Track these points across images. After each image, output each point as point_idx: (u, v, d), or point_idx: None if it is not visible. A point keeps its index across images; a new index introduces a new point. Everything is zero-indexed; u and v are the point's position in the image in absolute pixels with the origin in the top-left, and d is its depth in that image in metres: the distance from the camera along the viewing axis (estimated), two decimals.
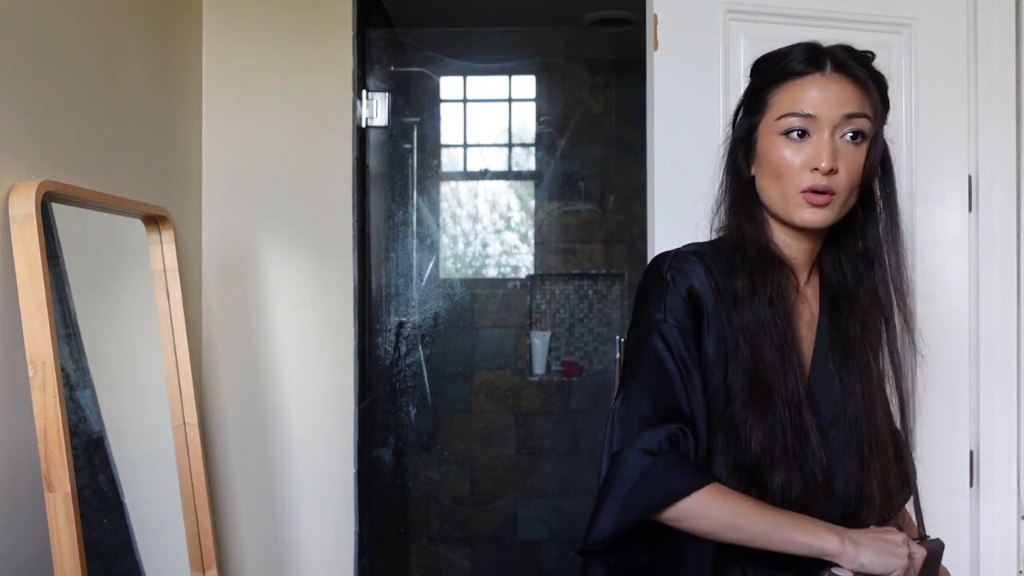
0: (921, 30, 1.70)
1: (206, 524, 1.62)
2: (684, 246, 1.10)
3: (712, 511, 0.94)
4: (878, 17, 1.68)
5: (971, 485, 1.75)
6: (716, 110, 1.58)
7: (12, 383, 1.19)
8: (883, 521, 1.07)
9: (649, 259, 1.57)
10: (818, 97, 1.00)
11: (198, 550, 1.61)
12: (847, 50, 1.03)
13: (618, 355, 2.73)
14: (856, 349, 1.06)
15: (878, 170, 1.05)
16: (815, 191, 1.00)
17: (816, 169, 0.99)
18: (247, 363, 1.97)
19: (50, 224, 1.25)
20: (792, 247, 1.08)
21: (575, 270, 3.40)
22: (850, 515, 1.05)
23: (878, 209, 1.07)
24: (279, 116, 1.97)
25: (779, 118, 1.02)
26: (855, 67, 1.01)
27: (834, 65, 1.01)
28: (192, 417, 1.63)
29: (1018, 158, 1.77)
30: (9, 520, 1.19)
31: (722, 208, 1.11)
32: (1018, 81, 1.76)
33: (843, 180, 1.00)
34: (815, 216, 1.01)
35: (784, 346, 1.02)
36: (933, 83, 1.71)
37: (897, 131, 1.71)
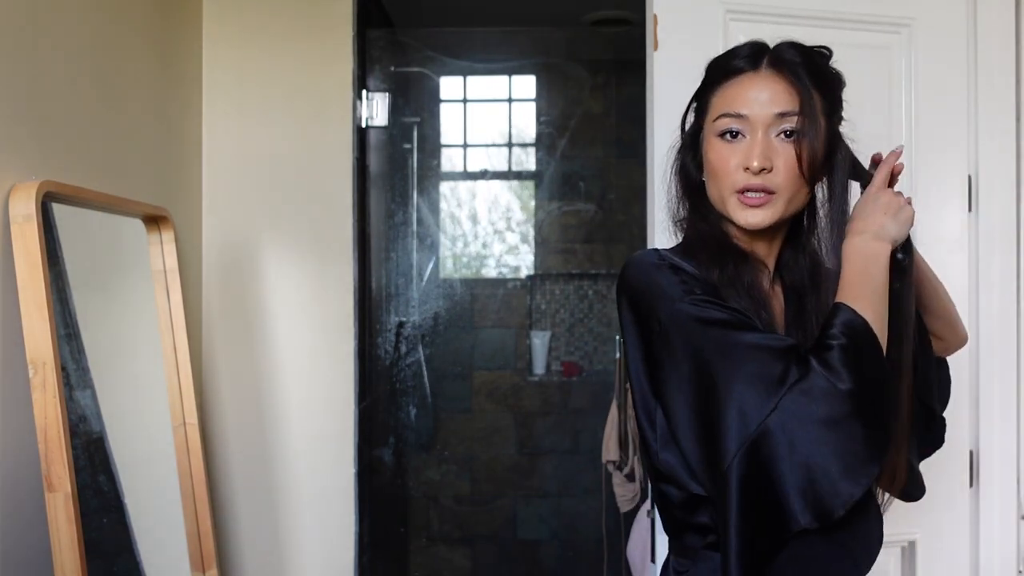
0: (921, 30, 1.70)
1: (206, 524, 1.62)
2: (651, 250, 1.06)
3: (866, 350, 0.90)
4: (878, 17, 1.68)
5: (971, 485, 1.75)
6: None
7: (12, 383, 1.19)
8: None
9: None
10: (750, 97, 0.98)
11: (198, 550, 1.61)
12: (793, 47, 1.00)
13: (618, 355, 2.74)
14: None
15: (826, 170, 1.01)
16: (749, 190, 0.97)
17: (747, 168, 0.97)
18: (247, 363, 1.97)
19: (50, 224, 1.25)
20: (754, 245, 1.05)
21: (575, 270, 3.40)
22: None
23: (820, 212, 1.04)
24: (279, 116, 1.97)
25: (716, 119, 1.00)
26: (792, 64, 0.98)
27: (770, 62, 0.99)
28: (192, 417, 1.63)
29: (1018, 158, 1.77)
30: (9, 520, 1.19)
31: (679, 211, 1.09)
32: (1018, 81, 1.77)
33: (780, 178, 0.97)
34: (754, 217, 0.98)
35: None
36: (933, 83, 1.71)
37: (897, 131, 1.71)
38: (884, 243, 0.96)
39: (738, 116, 0.98)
